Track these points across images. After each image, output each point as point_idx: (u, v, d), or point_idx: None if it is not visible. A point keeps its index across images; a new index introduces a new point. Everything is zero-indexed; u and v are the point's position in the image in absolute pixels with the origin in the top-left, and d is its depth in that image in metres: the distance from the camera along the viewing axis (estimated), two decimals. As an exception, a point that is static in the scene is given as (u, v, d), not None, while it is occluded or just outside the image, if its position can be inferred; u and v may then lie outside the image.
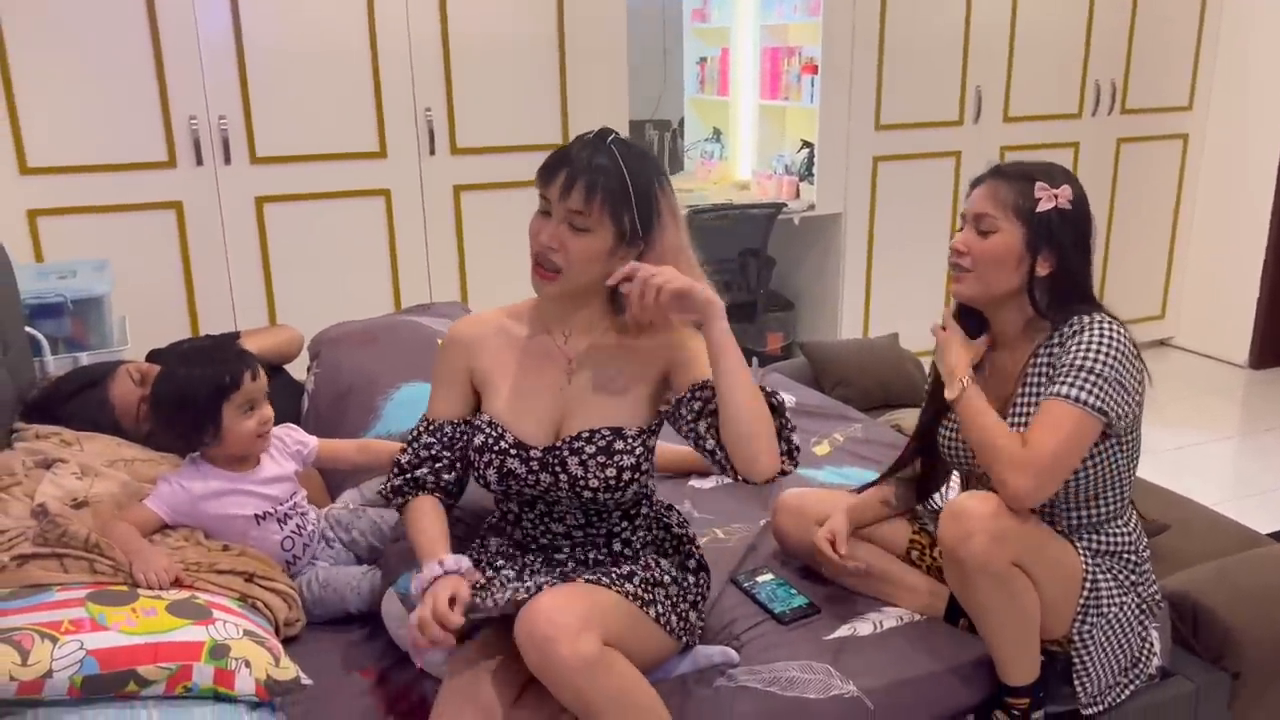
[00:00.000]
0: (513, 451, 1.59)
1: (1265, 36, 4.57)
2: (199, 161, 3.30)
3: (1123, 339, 1.63)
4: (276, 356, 2.41)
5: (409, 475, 1.66)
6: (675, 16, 5.02)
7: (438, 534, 1.60)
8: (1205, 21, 4.72)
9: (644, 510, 1.68)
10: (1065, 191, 1.67)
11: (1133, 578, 1.73)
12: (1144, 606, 1.74)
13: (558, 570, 1.64)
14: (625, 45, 3.79)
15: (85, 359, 2.54)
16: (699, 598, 1.70)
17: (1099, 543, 1.73)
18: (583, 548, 1.65)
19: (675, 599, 1.63)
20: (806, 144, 4.38)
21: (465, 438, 1.65)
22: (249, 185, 3.40)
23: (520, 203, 3.50)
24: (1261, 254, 4.71)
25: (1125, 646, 1.72)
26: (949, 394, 1.72)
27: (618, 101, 3.82)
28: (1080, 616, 1.68)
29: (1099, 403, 1.59)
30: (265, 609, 1.65)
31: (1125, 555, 1.74)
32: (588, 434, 1.57)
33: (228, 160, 3.34)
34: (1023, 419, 1.69)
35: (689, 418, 1.56)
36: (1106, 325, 1.64)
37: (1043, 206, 1.67)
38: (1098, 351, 1.61)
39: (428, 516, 1.62)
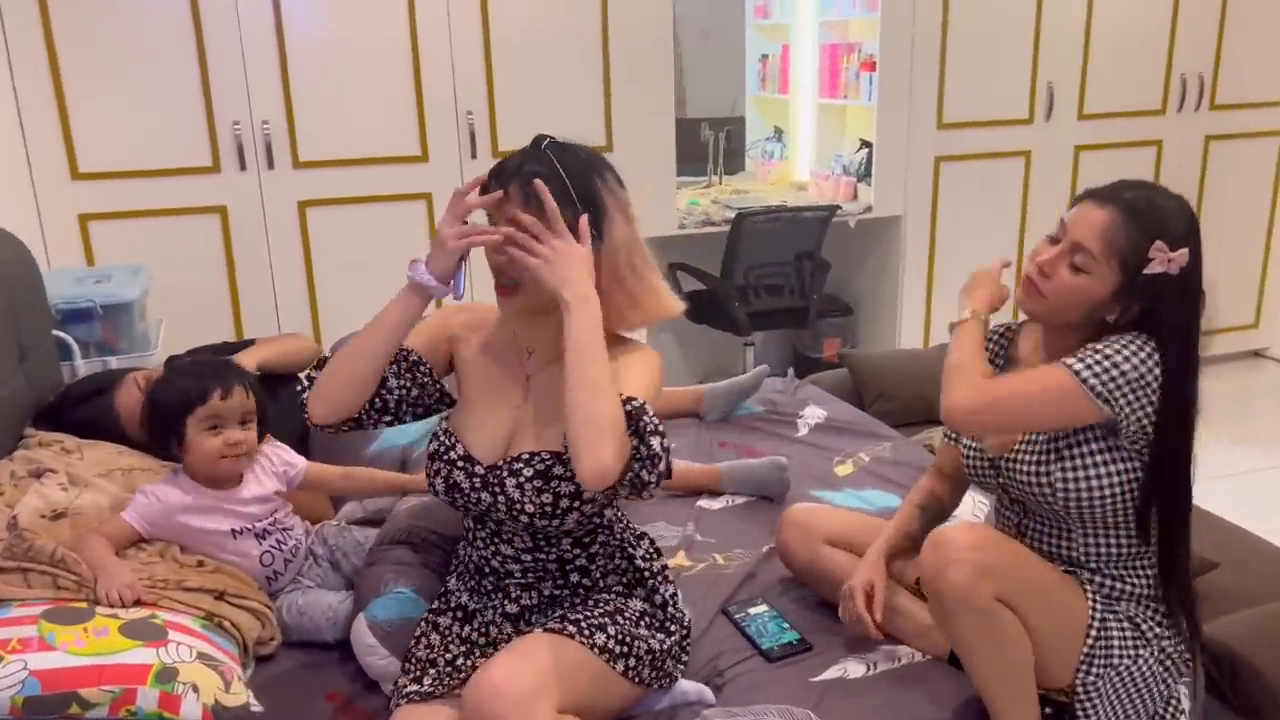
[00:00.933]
0: (460, 464, 1.55)
1: (1373, 24, 4.23)
2: (243, 166, 3.34)
3: (1137, 344, 1.49)
4: (285, 365, 2.40)
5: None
6: (737, 12, 4.90)
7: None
8: (1305, 9, 4.39)
9: (600, 539, 1.60)
10: (1181, 256, 1.48)
11: (1156, 629, 1.58)
12: (1168, 663, 1.59)
13: (513, 625, 1.59)
14: (671, 43, 3.70)
15: (115, 363, 2.58)
16: (678, 646, 1.61)
17: (1116, 585, 1.59)
18: (534, 574, 1.58)
19: (656, 653, 1.55)
20: (865, 144, 4.23)
21: (419, 373, 1.59)
22: (292, 189, 3.43)
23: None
24: (1366, 259, 4.37)
25: (1140, 704, 1.57)
26: (954, 319, 1.66)
27: (663, 100, 3.74)
28: (1085, 666, 1.54)
29: (1099, 384, 1.47)
30: (233, 628, 1.63)
31: (1148, 603, 1.59)
32: (527, 456, 1.51)
33: (271, 165, 3.37)
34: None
35: None
36: (1145, 341, 1.50)
37: (1152, 269, 1.49)
38: (1123, 348, 1.48)
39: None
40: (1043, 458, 1.58)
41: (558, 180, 1.45)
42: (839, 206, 3.99)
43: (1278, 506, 3.39)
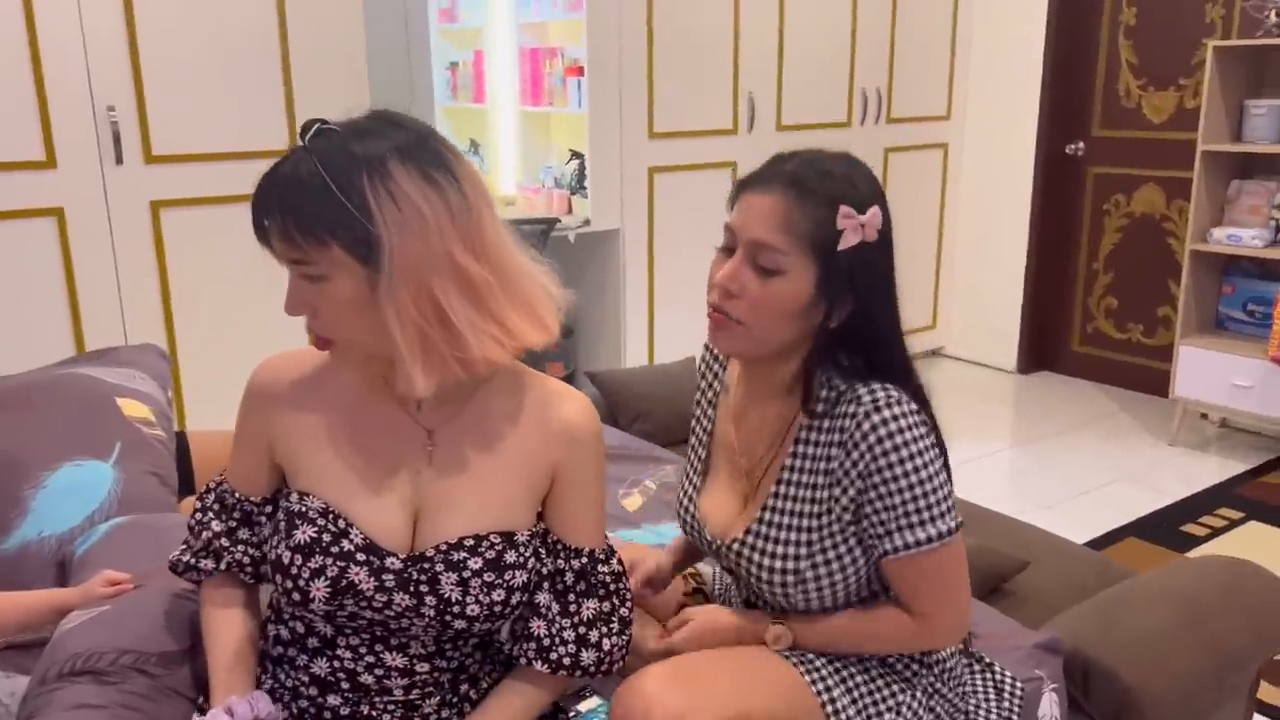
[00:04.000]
0: (360, 556, 1.08)
1: (1015, 45, 4.65)
2: None
3: (911, 418, 1.19)
4: None
5: (195, 561, 1.21)
6: (420, 18, 4.50)
7: (234, 652, 1.15)
8: (958, 30, 4.75)
9: (498, 638, 1.24)
10: (874, 218, 1.19)
11: (914, 665, 1.34)
12: (943, 692, 1.36)
13: None
14: (363, 38, 3.24)
15: None
16: None
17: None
18: (420, 690, 1.16)
19: None
20: (576, 155, 3.99)
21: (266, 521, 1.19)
22: None
23: (234, 218, 2.91)
24: (1022, 260, 4.78)
25: None
26: (777, 647, 1.28)
27: (356, 103, 3.25)
28: None
29: (948, 522, 1.21)
30: None
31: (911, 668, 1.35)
32: (473, 540, 1.10)
33: None
34: (790, 503, 1.26)
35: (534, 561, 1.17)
36: (890, 409, 1.18)
37: (847, 242, 1.18)
38: (905, 459, 1.18)
39: (221, 619, 1.19)
40: (789, 551, 1.26)
41: (319, 188, 1.01)
42: (558, 219, 3.70)
43: (989, 498, 3.54)
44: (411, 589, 1.09)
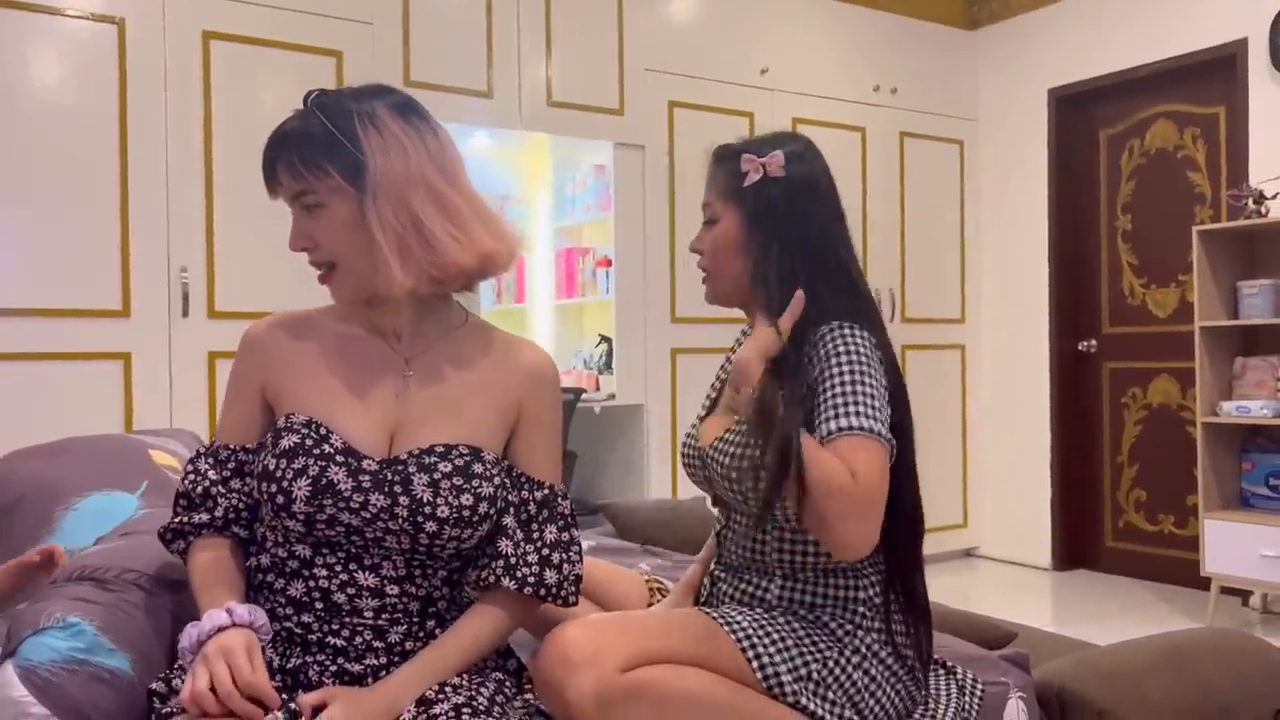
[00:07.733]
0: (339, 458, 1.22)
1: (1021, 250, 4.96)
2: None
3: (864, 341, 1.36)
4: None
5: (187, 518, 1.30)
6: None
7: (222, 576, 1.25)
8: (966, 237, 5.09)
9: (461, 578, 1.32)
10: (775, 158, 1.44)
11: (849, 627, 1.39)
12: (871, 659, 1.38)
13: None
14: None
15: None
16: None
17: (803, 592, 1.41)
18: (389, 615, 1.24)
19: None
20: (604, 339, 4.28)
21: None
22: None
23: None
24: (1047, 456, 4.84)
25: (863, 706, 1.36)
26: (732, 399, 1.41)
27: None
28: (768, 682, 1.31)
29: (873, 423, 1.31)
30: None
31: (844, 605, 1.41)
32: (443, 448, 1.25)
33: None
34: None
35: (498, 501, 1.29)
36: (849, 330, 1.37)
37: (750, 180, 1.45)
38: (849, 359, 1.34)
39: (208, 554, 1.28)
40: (748, 442, 1.38)
41: (319, 128, 1.26)
42: (584, 390, 3.93)
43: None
44: (386, 489, 1.22)
